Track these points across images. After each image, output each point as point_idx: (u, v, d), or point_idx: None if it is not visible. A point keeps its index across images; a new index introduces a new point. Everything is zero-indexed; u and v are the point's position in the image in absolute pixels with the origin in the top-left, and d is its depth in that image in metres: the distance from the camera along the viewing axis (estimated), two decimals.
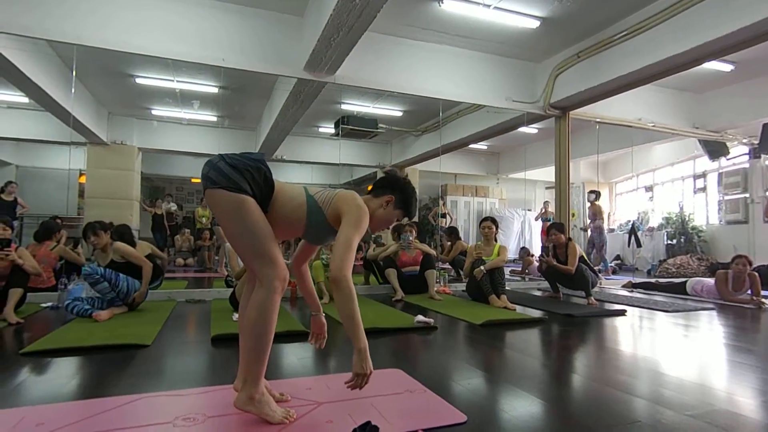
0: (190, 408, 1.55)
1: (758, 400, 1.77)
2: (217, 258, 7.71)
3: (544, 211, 8.41)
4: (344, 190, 1.59)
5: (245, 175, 1.44)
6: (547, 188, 10.12)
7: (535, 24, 4.83)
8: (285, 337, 2.66)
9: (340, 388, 1.74)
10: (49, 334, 2.66)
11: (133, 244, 3.88)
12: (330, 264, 1.43)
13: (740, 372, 2.20)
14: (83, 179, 7.82)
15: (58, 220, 5.46)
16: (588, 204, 7.88)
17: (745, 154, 7.96)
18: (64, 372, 2.04)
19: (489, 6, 4.48)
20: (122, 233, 3.80)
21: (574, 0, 4.42)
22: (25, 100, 6.06)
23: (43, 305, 3.73)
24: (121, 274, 3.40)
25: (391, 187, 1.70)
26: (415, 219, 10.03)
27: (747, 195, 7.87)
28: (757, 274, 4.46)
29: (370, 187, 1.74)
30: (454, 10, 4.59)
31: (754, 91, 6.50)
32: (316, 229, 1.56)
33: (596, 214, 7.56)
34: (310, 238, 1.64)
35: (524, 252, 7.57)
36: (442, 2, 4.42)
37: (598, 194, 7.64)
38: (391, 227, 3.99)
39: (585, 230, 8.00)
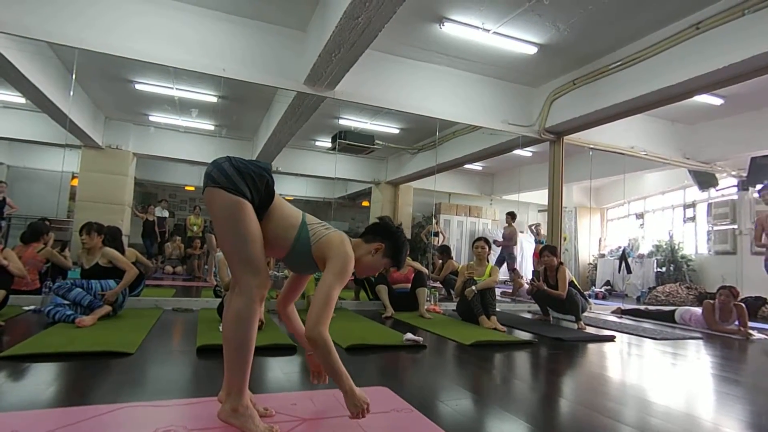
0: (171, 420, 1.52)
1: None
2: (206, 267, 7.63)
3: (537, 232, 8.46)
4: (337, 231, 1.58)
5: (246, 180, 1.44)
6: (539, 211, 10.20)
7: (533, 50, 4.93)
8: (271, 350, 2.63)
9: (326, 405, 1.72)
10: (30, 339, 2.59)
11: (122, 249, 3.84)
12: (307, 319, 1.42)
13: (727, 403, 2.20)
14: (75, 182, 7.76)
15: (47, 222, 5.38)
16: (505, 225, 7.99)
17: (734, 186, 8.11)
18: (43, 378, 1.99)
19: (489, 31, 4.58)
20: (113, 236, 3.76)
21: (572, 28, 4.53)
22: (22, 100, 6.03)
23: (26, 308, 3.65)
24: (92, 280, 3.36)
25: (383, 235, 1.68)
26: (408, 236, 9.99)
27: (735, 226, 7.98)
28: (744, 305, 4.49)
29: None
30: (455, 33, 4.68)
31: (742, 125, 6.65)
32: (297, 256, 1.56)
33: (512, 235, 7.69)
34: (289, 263, 1.63)
35: (515, 273, 7.58)
36: (443, 25, 4.51)
37: (514, 216, 7.80)
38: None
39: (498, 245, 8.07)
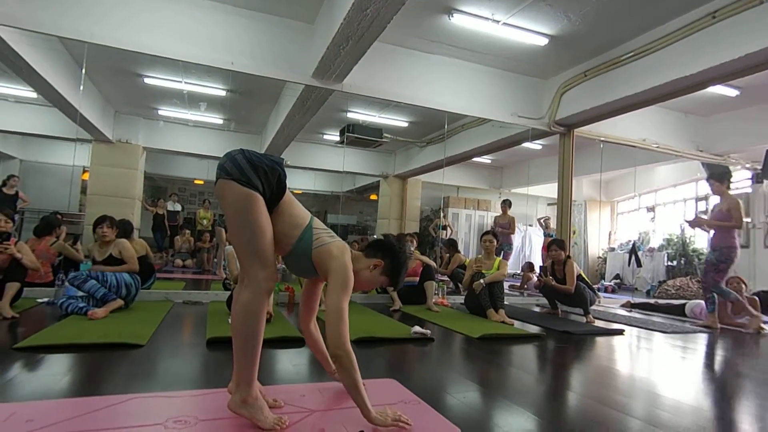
0: (182, 410, 1.54)
1: (755, 426, 1.75)
2: (216, 260, 7.70)
3: (546, 225, 8.40)
4: (339, 241, 1.59)
5: (259, 173, 1.45)
6: (549, 204, 10.13)
7: (543, 41, 4.87)
8: (280, 342, 2.65)
9: (334, 397, 1.73)
10: (44, 330, 2.64)
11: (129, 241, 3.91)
12: (327, 339, 1.45)
13: (737, 397, 2.17)
14: (86, 176, 7.85)
15: (59, 216, 5.46)
16: (499, 215, 7.83)
17: (748, 179, 7.96)
18: (57, 369, 2.03)
19: (498, 22, 4.52)
20: (125, 230, 3.83)
21: (584, 18, 4.46)
22: (33, 95, 6.10)
23: (39, 300, 3.72)
24: (107, 273, 3.41)
25: (384, 252, 1.68)
26: (416, 230, 9.89)
27: (749, 220, 7.84)
28: (757, 298, 4.43)
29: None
30: (464, 24, 4.63)
31: (758, 117, 6.52)
32: (297, 257, 1.56)
33: (509, 224, 7.54)
34: (289, 262, 1.63)
35: (527, 267, 7.53)
36: (452, 16, 4.47)
37: (509, 204, 7.67)
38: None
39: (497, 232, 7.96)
